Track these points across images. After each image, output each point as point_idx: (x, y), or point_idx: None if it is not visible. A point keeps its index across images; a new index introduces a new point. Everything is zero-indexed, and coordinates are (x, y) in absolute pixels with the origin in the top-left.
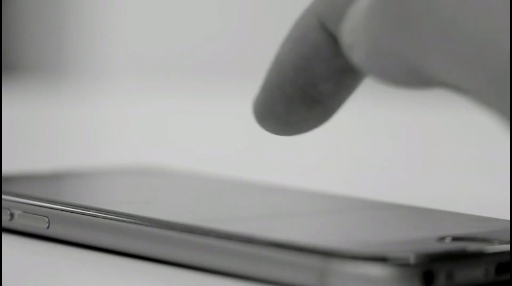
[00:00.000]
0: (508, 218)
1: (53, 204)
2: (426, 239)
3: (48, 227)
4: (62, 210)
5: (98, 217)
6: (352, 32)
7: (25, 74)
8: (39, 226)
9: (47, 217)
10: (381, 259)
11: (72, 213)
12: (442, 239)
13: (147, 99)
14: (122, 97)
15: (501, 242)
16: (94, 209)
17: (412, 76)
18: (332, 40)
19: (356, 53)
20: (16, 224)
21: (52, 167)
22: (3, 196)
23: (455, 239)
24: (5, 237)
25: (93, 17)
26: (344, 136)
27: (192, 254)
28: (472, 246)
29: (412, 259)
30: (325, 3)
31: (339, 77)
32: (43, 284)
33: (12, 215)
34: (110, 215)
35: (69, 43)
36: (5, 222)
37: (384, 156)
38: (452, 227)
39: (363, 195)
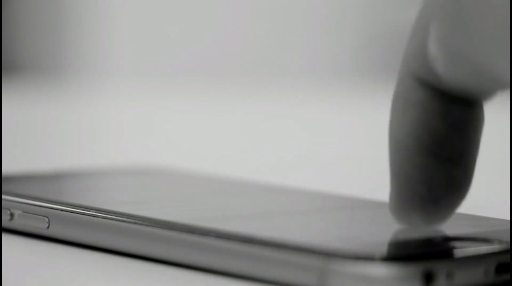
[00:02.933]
0: (508, 218)
1: (53, 204)
2: (426, 239)
3: (48, 227)
4: (62, 210)
5: (98, 217)
6: (435, 43)
7: (25, 74)
8: (39, 226)
9: (47, 217)
10: (381, 259)
11: (72, 213)
12: (442, 239)
13: (147, 99)
14: (122, 97)
15: (501, 242)
16: (94, 209)
17: (482, 78)
18: (438, 95)
19: (438, 64)
20: (16, 224)
21: (52, 167)
22: (3, 196)
23: (455, 239)
24: (5, 237)
25: (93, 17)
26: (345, 136)
27: (192, 254)
28: (472, 246)
29: (412, 259)
30: (415, 58)
31: (460, 128)
32: (43, 284)
33: (12, 215)
34: (110, 215)
35: (69, 43)
36: (5, 222)
37: (385, 156)
38: (452, 227)
39: (363, 195)
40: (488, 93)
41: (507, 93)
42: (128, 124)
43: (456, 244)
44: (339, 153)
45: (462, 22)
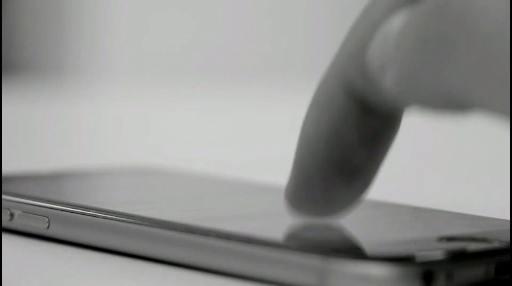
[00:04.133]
0: (508, 218)
1: (53, 204)
2: (426, 239)
3: (48, 227)
4: (62, 210)
5: (98, 217)
6: (383, 55)
7: (25, 74)
8: (39, 226)
9: (47, 217)
10: (381, 259)
11: (72, 213)
12: (442, 239)
13: (147, 99)
14: (122, 97)
15: (501, 242)
16: (94, 209)
17: (447, 99)
18: (359, 104)
19: (388, 76)
20: (16, 224)
21: (52, 167)
22: (3, 196)
23: (455, 239)
24: (5, 237)
25: (93, 17)
26: None
27: (192, 254)
28: (472, 246)
29: (412, 259)
30: (343, 61)
31: (371, 141)
32: (43, 284)
33: (12, 215)
34: (110, 215)
35: (69, 43)
36: (5, 222)
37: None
38: (452, 227)
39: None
40: (445, 112)
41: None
42: (128, 124)
43: (456, 244)
44: None
45: (440, 46)
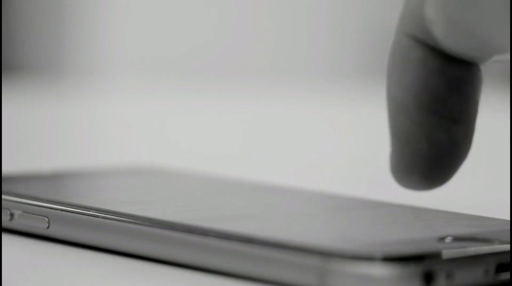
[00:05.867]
0: (508, 218)
1: (53, 204)
2: (426, 239)
3: (48, 227)
4: (62, 210)
5: (98, 217)
6: (434, 8)
7: (25, 74)
8: (39, 226)
9: (47, 217)
10: (381, 259)
11: (72, 213)
12: (442, 239)
13: (147, 99)
14: (122, 97)
15: (501, 242)
16: (94, 209)
17: (480, 45)
18: (436, 52)
19: (436, 28)
20: (16, 224)
21: (52, 167)
22: (3, 196)
23: (455, 239)
24: (5, 237)
25: (93, 17)
26: (345, 136)
27: (192, 254)
28: (472, 246)
29: (412, 259)
30: (409, 18)
31: (458, 87)
32: (43, 284)
33: (12, 215)
34: (110, 215)
35: (69, 43)
36: (5, 222)
37: (385, 156)
38: (452, 227)
39: (363, 195)
40: (485, 59)
41: (506, 60)
42: (128, 124)
43: (456, 244)
44: (339, 153)
45: None
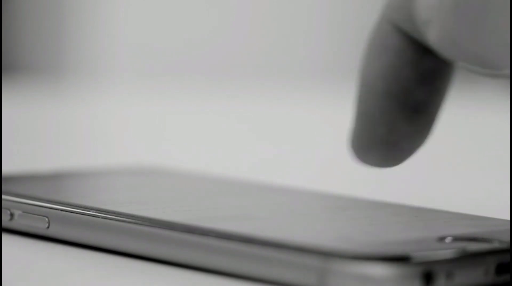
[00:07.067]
0: (508, 218)
1: (53, 204)
2: (426, 239)
3: (48, 227)
4: (62, 210)
5: (98, 217)
6: (429, 9)
7: (25, 74)
8: (39, 226)
9: (47, 217)
10: (381, 259)
11: (72, 213)
12: (442, 239)
13: (147, 99)
14: (122, 97)
15: (501, 242)
16: (94, 209)
17: (482, 62)
18: (413, 43)
19: (430, 31)
20: (16, 224)
21: (52, 167)
22: (3, 196)
23: (455, 239)
24: (5, 237)
25: (93, 17)
26: (345, 136)
27: (192, 254)
28: (472, 246)
29: (412, 259)
30: (396, 8)
31: (430, 79)
32: (43, 284)
33: (12, 215)
34: (110, 215)
35: (69, 43)
36: (5, 222)
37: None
38: (452, 227)
39: (363, 195)
40: (480, 72)
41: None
42: (128, 124)
43: (456, 244)
44: (339, 153)
45: (472, 14)
